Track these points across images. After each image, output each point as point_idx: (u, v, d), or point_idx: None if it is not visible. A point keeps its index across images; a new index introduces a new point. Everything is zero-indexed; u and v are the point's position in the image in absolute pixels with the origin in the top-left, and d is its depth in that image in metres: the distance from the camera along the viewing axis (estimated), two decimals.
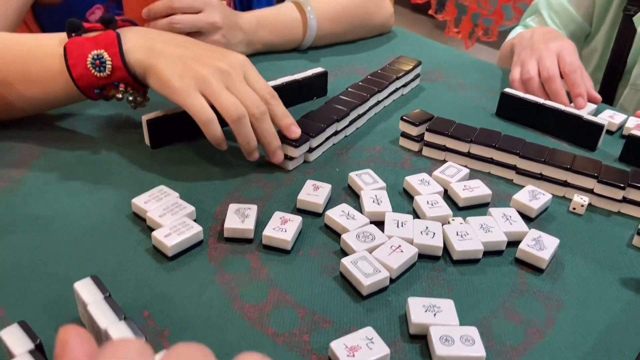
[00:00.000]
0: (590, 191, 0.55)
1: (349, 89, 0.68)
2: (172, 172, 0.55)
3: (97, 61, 0.51)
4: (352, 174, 0.55)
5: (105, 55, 0.51)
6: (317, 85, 0.72)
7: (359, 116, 0.66)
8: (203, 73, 0.51)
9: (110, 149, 0.57)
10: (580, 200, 0.53)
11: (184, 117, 0.58)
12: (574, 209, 0.54)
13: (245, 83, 0.53)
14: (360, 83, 0.69)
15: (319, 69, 0.72)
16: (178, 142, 0.60)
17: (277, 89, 0.67)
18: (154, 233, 0.44)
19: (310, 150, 0.58)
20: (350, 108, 0.64)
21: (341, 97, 0.66)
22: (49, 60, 0.53)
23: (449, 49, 0.92)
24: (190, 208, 0.48)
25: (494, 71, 0.84)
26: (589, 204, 0.55)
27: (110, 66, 0.51)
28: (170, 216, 0.46)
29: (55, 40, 0.53)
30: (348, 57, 0.84)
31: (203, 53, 0.53)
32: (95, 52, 0.51)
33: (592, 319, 0.42)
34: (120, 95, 0.54)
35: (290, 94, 0.69)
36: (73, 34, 0.53)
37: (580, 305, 0.43)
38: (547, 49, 0.73)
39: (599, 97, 0.71)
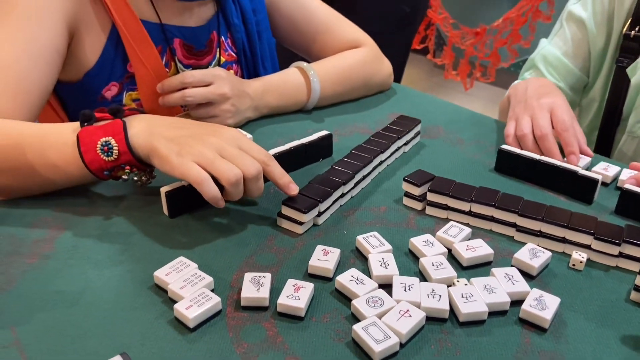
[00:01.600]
0: (588, 247, 0.57)
1: (353, 152, 0.71)
2: (190, 241, 0.58)
3: (106, 147, 0.57)
4: (360, 238, 0.58)
5: (113, 141, 0.57)
6: (322, 147, 0.76)
7: (364, 177, 0.69)
8: (198, 148, 0.56)
9: (131, 220, 0.61)
10: (579, 257, 0.56)
11: None
12: (574, 265, 0.56)
13: (239, 149, 0.58)
14: (363, 145, 0.73)
15: (323, 132, 0.75)
16: (194, 211, 0.63)
17: (285, 153, 0.71)
18: (176, 306, 0.47)
19: (319, 214, 0.62)
20: (355, 170, 0.67)
21: (346, 159, 0.69)
22: (64, 147, 0.58)
23: (447, 104, 0.96)
24: (209, 279, 0.50)
25: (491, 125, 0.88)
26: (588, 259, 0.57)
27: (117, 151, 0.57)
28: (190, 287, 0.49)
29: (70, 129, 0.59)
30: (351, 116, 0.89)
31: (198, 131, 0.59)
32: (104, 139, 0.57)
33: None
34: (125, 177, 0.59)
35: (297, 157, 0.73)
36: (85, 124, 0.58)
37: None
38: (540, 106, 0.77)
39: (590, 152, 0.74)
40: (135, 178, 0.61)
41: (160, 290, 0.51)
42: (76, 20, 0.71)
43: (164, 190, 0.60)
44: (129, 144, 0.57)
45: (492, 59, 2.21)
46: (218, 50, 0.84)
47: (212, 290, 0.51)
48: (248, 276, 0.51)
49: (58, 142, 0.59)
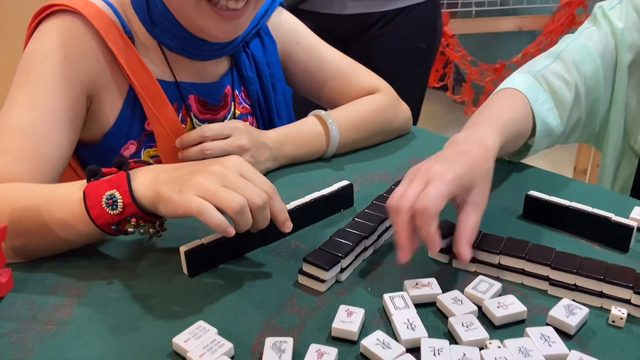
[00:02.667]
0: (627, 302, 0.54)
1: (375, 202, 0.70)
2: (210, 302, 0.56)
3: (110, 200, 0.56)
4: (386, 297, 0.55)
5: (117, 194, 0.56)
6: (343, 197, 0.74)
7: (387, 229, 0.67)
8: (198, 181, 0.55)
9: (151, 280, 0.59)
10: (618, 312, 0.53)
11: (219, 244, 0.61)
12: (613, 321, 0.53)
13: (242, 178, 0.57)
14: (385, 194, 0.71)
15: (344, 182, 0.74)
16: (214, 267, 0.62)
17: (305, 206, 0.70)
18: None
19: (342, 270, 0.60)
20: (377, 222, 0.65)
21: (367, 211, 0.68)
22: (72, 204, 0.58)
23: None
24: (229, 345, 0.49)
25: (514, 168, 0.85)
26: (629, 315, 0.54)
27: (121, 203, 0.56)
28: (209, 355, 0.47)
29: (77, 187, 0.59)
30: (371, 163, 0.87)
31: (198, 166, 0.58)
32: (108, 192, 0.56)
33: None
34: (131, 229, 0.58)
35: (318, 209, 0.71)
36: (92, 179, 0.58)
37: None
38: (424, 173, 0.60)
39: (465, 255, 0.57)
40: (142, 231, 0.59)
41: (180, 358, 0.49)
42: (94, 85, 0.72)
43: (183, 249, 0.59)
44: (133, 195, 0.56)
45: None
46: (233, 103, 0.85)
47: (232, 358, 0.49)
48: (269, 341, 0.49)
49: (66, 199, 0.59)
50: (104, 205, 0.56)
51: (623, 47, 0.85)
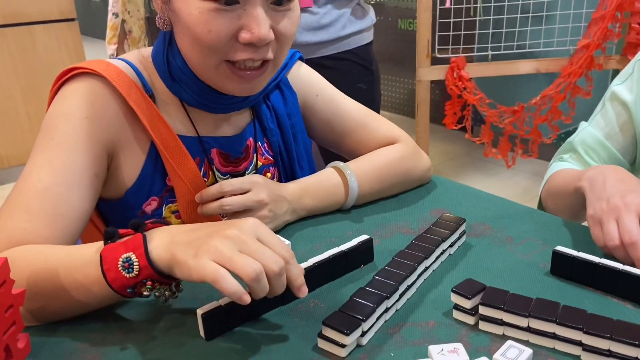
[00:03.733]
0: None
1: (396, 258, 0.68)
2: None
3: (126, 263, 0.55)
4: None
5: (133, 257, 0.55)
6: (363, 252, 0.73)
7: (409, 287, 0.65)
8: (214, 245, 0.53)
9: (167, 344, 0.58)
10: None
11: (237, 305, 0.60)
12: None
13: (259, 243, 0.55)
14: (406, 250, 0.70)
15: (363, 237, 0.73)
16: (232, 329, 0.60)
17: (325, 262, 0.68)
18: None
19: (363, 333, 0.58)
20: (399, 281, 0.63)
21: (388, 268, 0.66)
22: (88, 267, 0.58)
23: (491, 196, 0.92)
24: None
25: (541, 219, 0.83)
26: None
27: (137, 266, 0.55)
28: None
29: (94, 249, 0.59)
30: (391, 214, 0.86)
31: (215, 229, 0.56)
32: (125, 255, 0.55)
33: None
34: (146, 293, 0.56)
35: (337, 265, 0.70)
36: (109, 241, 0.58)
37: None
38: (626, 207, 0.68)
39: None
40: (157, 294, 0.58)
41: None
42: (115, 144, 0.73)
43: (200, 312, 0.58)
44: (149, 257, 0.55)
45: (533, 135, 2.17)
46: (255, 155, 0.85)
47: None
48: None
49: (83, 262, 0.58)
50: (120, 269, 0.55)
51: (638, 117, 0.88)
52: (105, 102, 0.72)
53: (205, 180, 0.79)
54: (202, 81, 0.75)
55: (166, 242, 0.56)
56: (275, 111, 0.86)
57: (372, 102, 1.64)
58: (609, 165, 0.85)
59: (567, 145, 1.01)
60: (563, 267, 0.68)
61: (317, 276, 0.68)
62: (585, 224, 0.79)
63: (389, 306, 0.62)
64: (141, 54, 0.78)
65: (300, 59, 0.92)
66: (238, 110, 0.82)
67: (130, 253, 0.56)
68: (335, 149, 0.96)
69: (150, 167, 0.76)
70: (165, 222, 0.62)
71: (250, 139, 0.85)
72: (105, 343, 0.58)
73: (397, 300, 0.64)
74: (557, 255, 0.68)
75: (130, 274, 0.55)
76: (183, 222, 0.78)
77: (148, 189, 0.76)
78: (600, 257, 0.65)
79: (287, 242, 0.74)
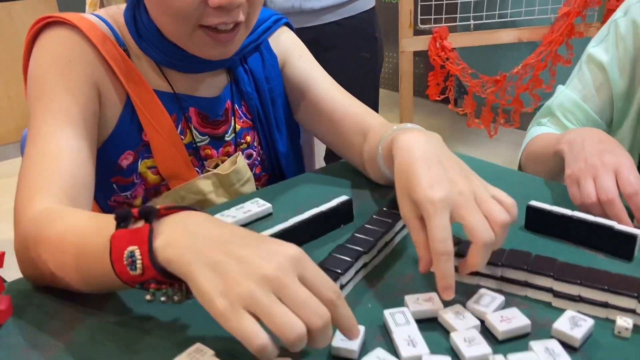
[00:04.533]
0: (632, 312, 0.53)
1: (374, 217, 0.69)
2: (209, 325, 0.55)
3: (130, 259, 0.48)
4: (387, 313, 0.54)
5: (137, 253, 0.47)
6: (342, 213, 0.74)
7: (387, 244, 0.67)
8: (250, 288, 0.43)
9: (148, 304, 0.58)
10: (624, 323, 0.51)
11: None
12: (619, 332, 0.52)
13: (301, 287, 0.45)
14: (385, 209, 0.71)
15: (343, 197, 0.74)
16: None
17: (304, 223, 0.69)
18: None
19: (341, 287, 0.59)
20: (377, 238, 0.65)
21: (367, 226, 0.67)
22: (100, 253, 0.50)
23: (471, 158, 0.93)
24: None
25: (516, 178, 0.85)
26: (635, 325, 0.52)
27: (140, 265, 0.47)
28: None
29: (108, 232, 0.50)
30: (372, 181, 0.87)
31: (248, 254, 0.46)
32: (130, 248, 0.48)
33: None
34: (149, 297, 0.50)
35: (316, 225, 0.71)
36: (121, 224, 0.50)
37: None
38: (604, 166, 0.69)
39: None
40: (163, 299, 0.50)
41: None
42: (98, 87, 0.73)
43: None
44: (153, 257, 0.47)
45: (515, 104, 2.19)
46: (233, 118, 0.85)
47: None
48: None
49: (96, 245, 0.52)
50: (125, 263, 0.48)
51: (614, 78, 0.89)
52: (83, 48, 0.72)
53: (182, 138, 0.79)
54: (168, 40, 0.75)
55: (179, 245, 0.47)
56: (253, 74, 0.85)
57: (373, 72, 1.63)
58: (587, 128, 0.86)
59: (545, 109, 1.02)
60: (537, 221, 0.69)
61: (297, 236, 0.69)
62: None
63: (367, 262, 0.63)
64: (115, 10, 0.78)
65: (288, 25, 0.91)
66: (210, 71, 0.82)
67: (135, 247, 0.47)
68: (306, 122, 0.91)
69: (127, 119, 0.76)
70: (187, 208, 0.51)
71: (229, 101, 0.85)
72: (86, 304, 0.59)
73: (376, 256, 0.65)
74: (531, 210, 0.69)
75: (134, 272, 0.48)
76: (161, 178, 0.78)
77: (124, 142, 0.76)
78: (573, 211, 0.67)
79: (268, 205, 0.75)
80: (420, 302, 0.56)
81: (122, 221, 0.50)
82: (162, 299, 0.50)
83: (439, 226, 0.53)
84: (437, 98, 2.20)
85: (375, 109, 1.59)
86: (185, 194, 0.78)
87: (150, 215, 0.49)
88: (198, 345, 0.50)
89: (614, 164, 0.69)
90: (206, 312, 0.57)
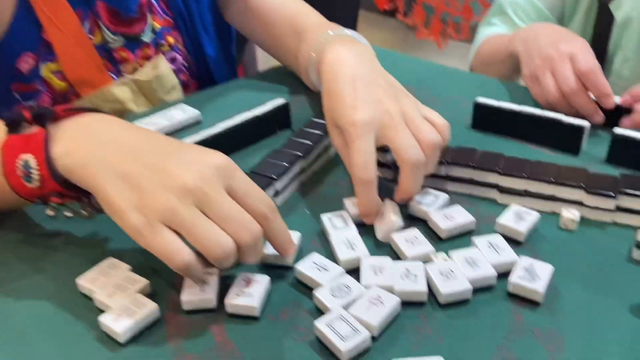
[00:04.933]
0: (579, 203, 0.50)
1: (314, 120, 0.63)
2: (123, 239, 0.49)
3: (25, 170, 0.41)
4: (324, 217, 0.50)
5: (33, 162, 0.41)
6: (279, 118, 0.68)
7: (326, 148, 0.62)
8: (168, 201, 0.38)
9: (54, 218, 0.52)
10: (570, 215, 0.49)
11: None
12: (565, 225, 0.50)
13: (228, 199, 0.40)
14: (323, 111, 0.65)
15: (279, 101, 0.67)
16: None
17: (236, 128, 0.63)
18: (101, 318, 0.40)
19: (277, 193, 0.54)
20: (316, 141, 0.59)
21: (305, 129, 0.61)
22: None
23: (417, 60, 0.88)
24: (144, 281, 0.43)
25: (465, 78, 0.80)
26: (581, 217, 0.50)
27: (37, 176, 0.41)
28: (120, 294, 0.41)
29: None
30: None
31: (165, 163, 0.40)
32: (23, 157, 0.41)
33: (598, 357, 0.37)
34: (51, 213, 0.44)
35: (250, 131, 0.65)
36: (13, 129, 0.43)
37: (584, 342, 0.39)
38: (560, 56, 0.65)
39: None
40: (68, 214, 0.45)
41: (88, 300, 0.43)
42: None
43: None
44: (51, 166, 0.41)
45: (465, 14, 2.12)
46: (150, 15, 0.74)
47: (150, 296, 0.43)
48: None
49: None
50: (19, 174, 0.42)
51: None
52: None
53: (90, 38, 0.69)
54: None
55: (82, 152, 0.41)
56: None
57: None
58: (538, 23, 0.83)
59: (495, 7, 0.97)
60: (484, 118, 0.65)
61: (227, 144, 0.62)
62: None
63: (304, 167, 0.58)
64: None
65: None
66: None
67: (30, 156, 0.41)
68: (236, 22, 0.82)
69: (22, 14, 0.64)
70: (93, 110, 0.45)
71: None
72: None
73: (314, 162, 0.60)
74: (478, 107, 0.65)
75: (31, 184, 0.42)
76: (69, 84, 0.69)
77: (20, 42, 0.65)
78: (521, 105, 0.63)
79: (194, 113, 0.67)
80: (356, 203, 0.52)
81: (13, 126, 0.43)
82: (67, 214, 0.45)
83: (359, 150, 0.48)
84: (386, 8, 2.11)
85: (355, 28, 1.51)
86: (99, 103, 0.69)
87: (46, 117, 0.42)
88: (111, 259, 0.45)
89: (569, 51, 0.65)
90: (123, 232, 0.51)
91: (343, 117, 0.50)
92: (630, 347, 0.38)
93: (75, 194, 0.43)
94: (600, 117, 0.63)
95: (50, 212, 0.44)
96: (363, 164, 0.48)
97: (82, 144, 0.42)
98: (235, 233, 0.39)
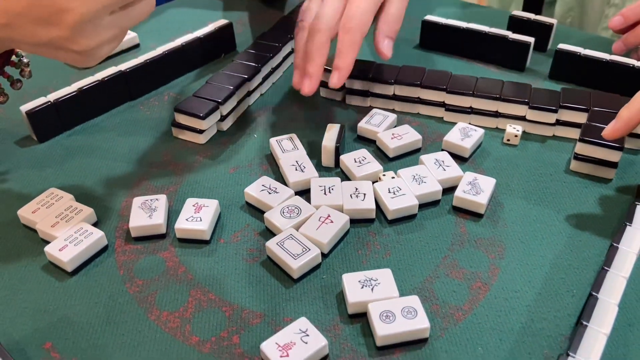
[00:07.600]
0: (522, 118, 0.52)
1: (258, 41, 0.61)
2: (66, 169, 0.48)
3: None
4: (273, 141, 0.50)
5: None
6: (223, 40, 0.65)
7: (273, 70, 0.60)
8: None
9: None
10: (513, 130, 0.51)
11: (72, 101, 0.51)
12: (508, 140, 0.51)
13: None
14: (269, 32, 0.63)
15: (222, 22, 0.64)
16: (70, 130, 0.53)
17: (177, 50, 0.60)
18: (47, 248, 0.39)
19: (222, 118, 0.53)
20: (261, 63, 0.57)
21: (250, 51, 0.59)
22: None
23: None
24: (88, 210, 0.42)
25: None
26: (524, 132, 0.52)
27: None
28: (64, 224, 0.40)
29: None
30: (256, 3, 0.77)
31: None
32: None
33: (536, 262, 0.40)
34: None
35: (193, 54, 0.62)
36: None
37: (523, 248, 0.41)
38: None
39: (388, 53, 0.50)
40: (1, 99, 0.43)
41: (31, 232, 0.42)
42: None
43: (24, 109, 0.49)
44: None
45: None
46: None
47: (96, 224, 0.42)
48: (137, 201, 0.43)
49: None
50: None
51: None
52: None
53: None
54: None
55: None
56: None
57: None
58: None
59: None
60: (432, 37, 0.65)
61: (169, 68, 0.60)
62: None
63: (251, 89, 0.56)
64: None
65: None
66: None
67: None
68: None
69: None
70: None
71: None
72: None
73: (261, 84, 0.58)
74: (426, 25, 0.64)
75: None
76: None
77: None
78: (469, 23, 0.63)
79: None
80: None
81: None
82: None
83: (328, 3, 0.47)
84: None
85: None
86: None
87: None
88: (52, 190, 0.43)
89: None
90: (62, 155, 0.49)
91: None
92: (562, 251, 0.41)
93: None
94: None
95: None
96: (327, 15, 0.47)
97: None
98: None
